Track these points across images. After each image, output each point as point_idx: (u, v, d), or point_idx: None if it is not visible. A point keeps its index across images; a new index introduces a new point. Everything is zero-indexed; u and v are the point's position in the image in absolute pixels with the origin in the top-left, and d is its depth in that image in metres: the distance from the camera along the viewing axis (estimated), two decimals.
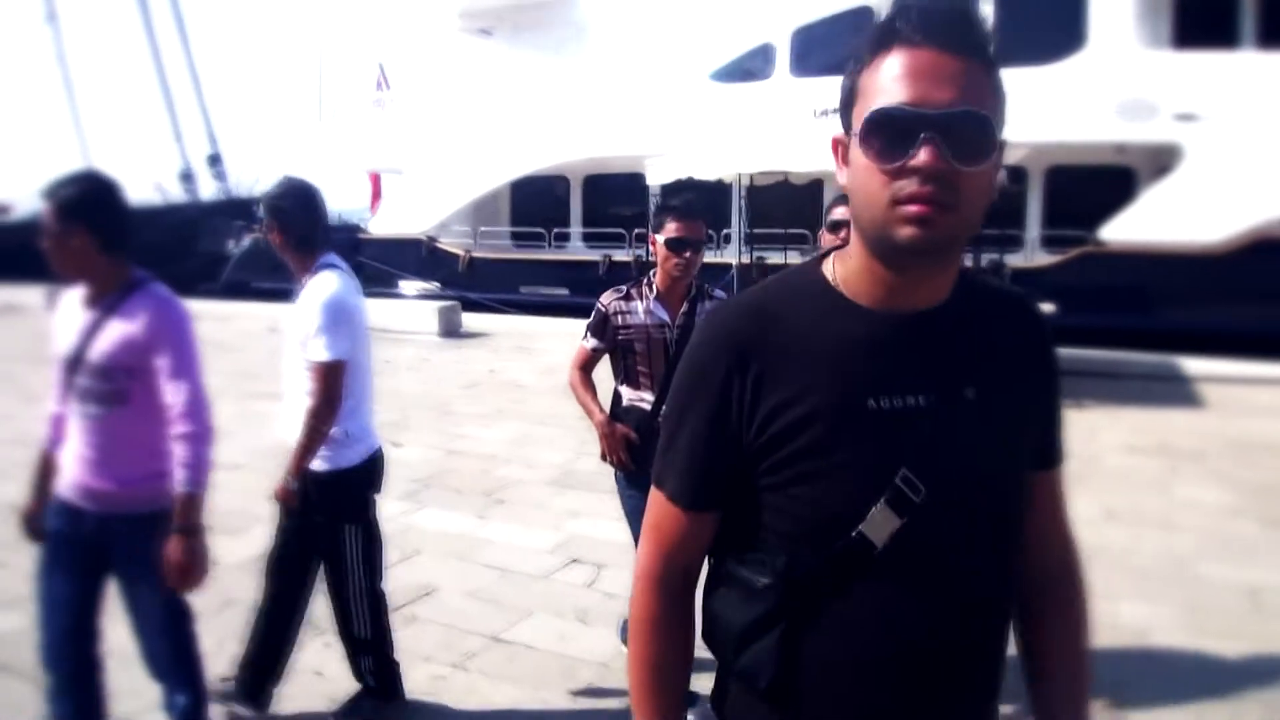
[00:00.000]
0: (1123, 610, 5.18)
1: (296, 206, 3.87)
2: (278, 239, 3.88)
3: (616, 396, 4.28)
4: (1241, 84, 15.51)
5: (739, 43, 18.59)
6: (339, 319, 3.72)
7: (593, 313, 4.22)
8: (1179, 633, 5.01)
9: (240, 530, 6.00)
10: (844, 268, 1.43)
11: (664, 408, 1.64)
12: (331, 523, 3.86)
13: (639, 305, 4.12)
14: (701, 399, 1.44)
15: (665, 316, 4.10)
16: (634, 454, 4.11)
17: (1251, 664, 4.68)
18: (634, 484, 4.12)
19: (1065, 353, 8.88)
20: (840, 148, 1.42)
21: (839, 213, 3.99)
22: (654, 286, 4.13)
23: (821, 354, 1.38)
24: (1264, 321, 14.18)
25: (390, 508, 6.75)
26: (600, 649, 4.70)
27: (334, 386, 3.70)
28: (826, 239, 3.98)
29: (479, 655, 4.65)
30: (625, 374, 4.22)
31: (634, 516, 4.09)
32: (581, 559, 5.90)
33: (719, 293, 4.36)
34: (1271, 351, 12.79)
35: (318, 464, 3.77)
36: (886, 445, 1.36)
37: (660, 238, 4.05)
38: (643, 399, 4.15)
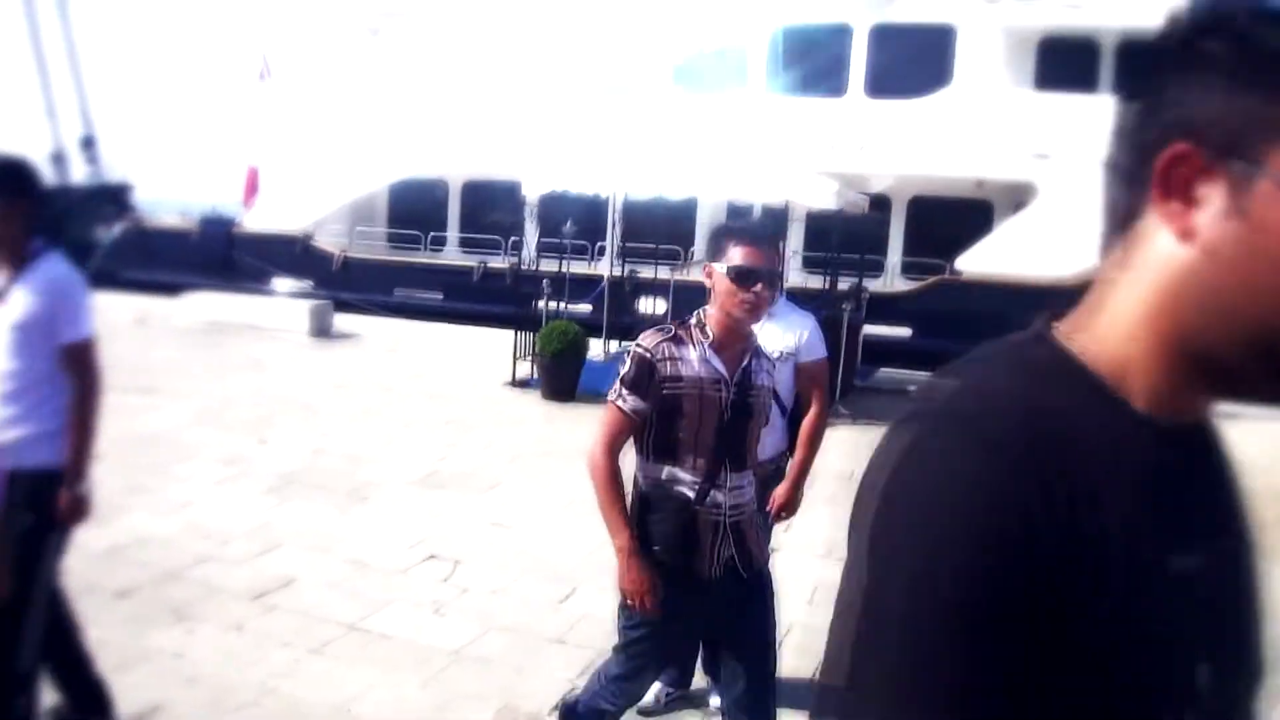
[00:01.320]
0: None
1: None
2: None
3: (638, 475, 3.29)
4: (1097, 126, 16.34)
5: (631, 59, 18.88)
6: (86, 298, 3.53)
7: (630, 363, 3.17)
8: None
9: (104, 519, 6.03)
10: (1107, 350, 0.93)
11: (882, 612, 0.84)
12: (38, 527, 3.43)
13: (692, 352, 3.15)
14: (993, 605, 0.80)
15: (722, 370, 3.16)
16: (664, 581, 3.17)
17: None
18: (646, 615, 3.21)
19: (918, 376, 9.47)
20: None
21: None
22: (708, 331, 3.18)
23: (1124, 496, 0.86)
24: None
25: (254, 503, 6.89)
26: (453, 638, 4.91)
27: (98, 364, 3.49)
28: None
29: (335, 642, 4.80)
30: (657, 443, 3.19)
31: (640, 655, 3.32)
32: (440, 555, 6.09)
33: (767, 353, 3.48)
34: None
35: (36, 458, 3.41)
36: (1185, 623, 0.89)
37: (720, 266, 3.16)
38: (680, 479, 3.17)
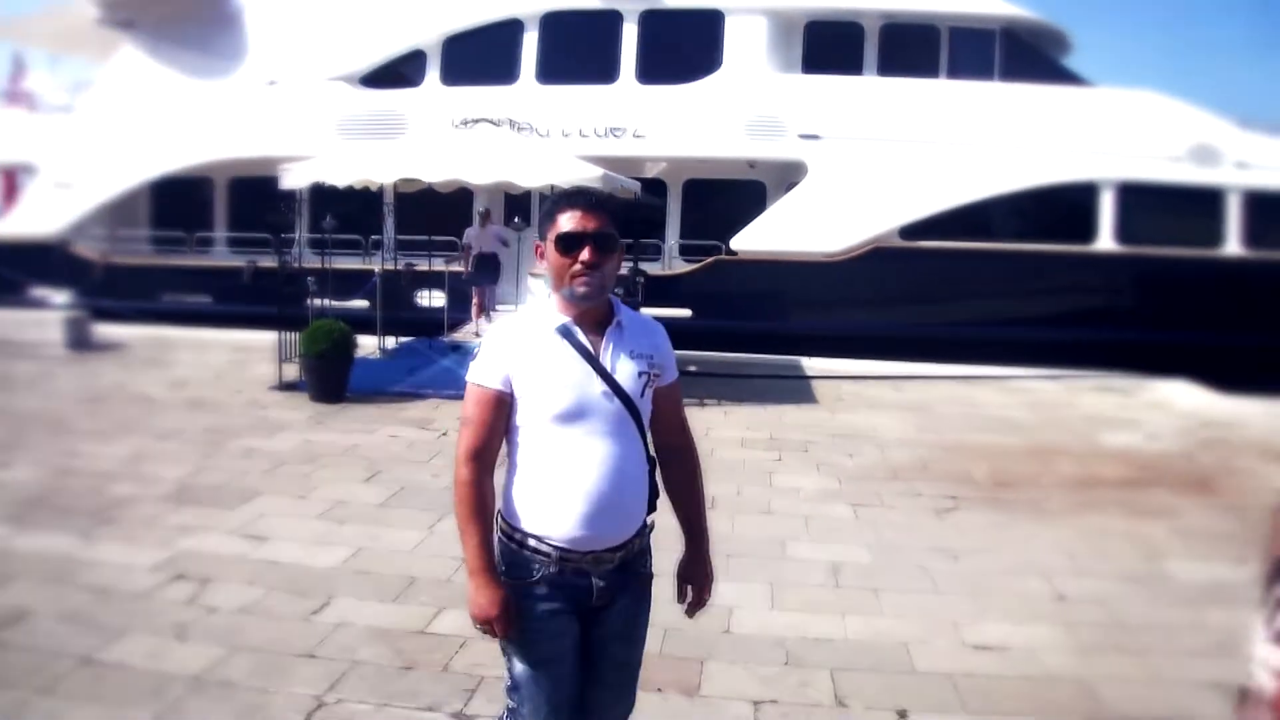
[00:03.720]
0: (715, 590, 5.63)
1: None
2: None
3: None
4: (862, 107, 16.99)
5: (390, 47, 18.43)
6: None
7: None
8: (762, 609, 5.53)
9: None
10: None
11: None
12: None
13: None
14: None
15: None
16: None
17: (826, 632, 5.24)
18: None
19: (697, 355, 9.61)
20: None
21: (568, 223, 2.79)
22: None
23: None
24: (877, 323, 15.62)
25: None
26: (195, 664, 4.67)
27: None
28: (552, 261, 2.80)
29: (66, 678, 4.51)
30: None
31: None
32: (187, 575, 5.80)
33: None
34: (882, 351, 14.10)
35: None
36: None
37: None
38: None
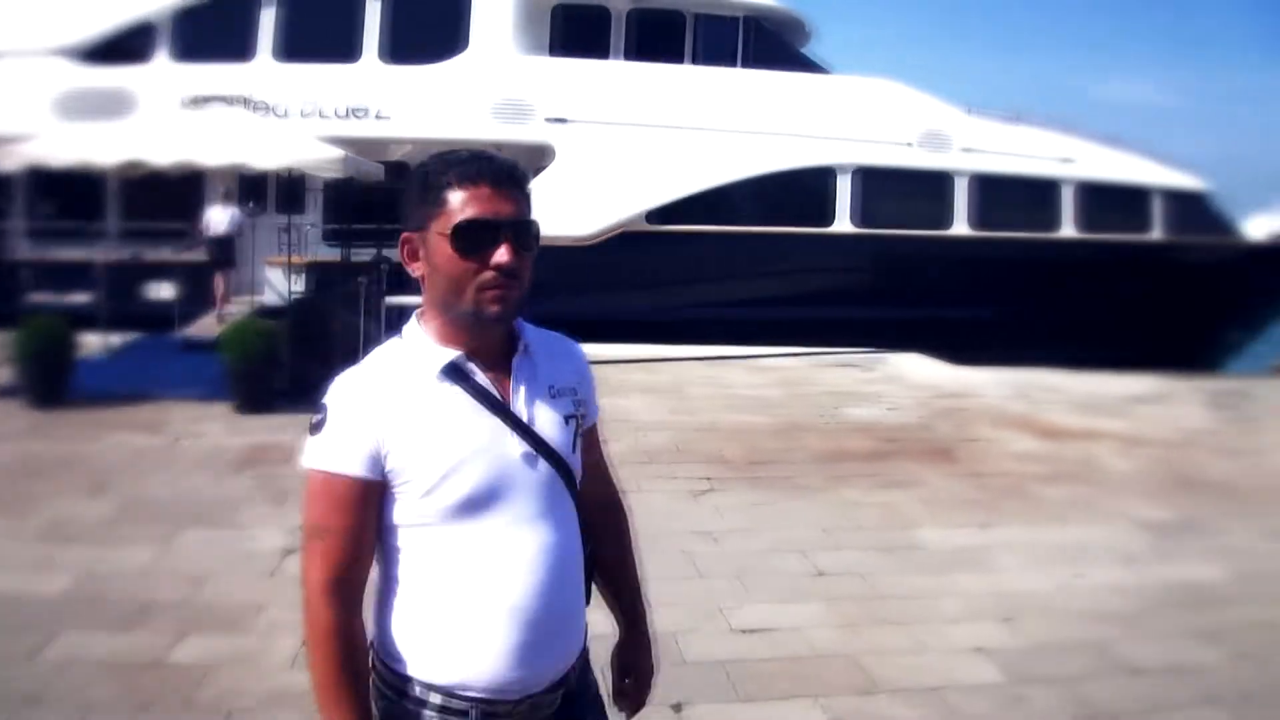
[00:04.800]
0: None
1: None
2: None
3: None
4: (609, 92, 17.02)
5: (116, 19, 17.14)
6: None
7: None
8: None
9: None
10: None
11: None
12: None
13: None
14: None
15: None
16: None
17: (592, 629, 5.11)
18: None
19: None
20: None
21: (473, 205, 1.88)
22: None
23: None
24: (627, 307, 15.69)
25: None
26: None
27: None
28: (443, 263, 1.88)
29: None
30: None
31: None
32: None
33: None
34: (633, 334, 14.16)
35: None
36: None
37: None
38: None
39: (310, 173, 12.23)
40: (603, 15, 17.66)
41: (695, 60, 17.79)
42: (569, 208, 16.19)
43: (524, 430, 1.92)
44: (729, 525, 6.87)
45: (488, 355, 1.95)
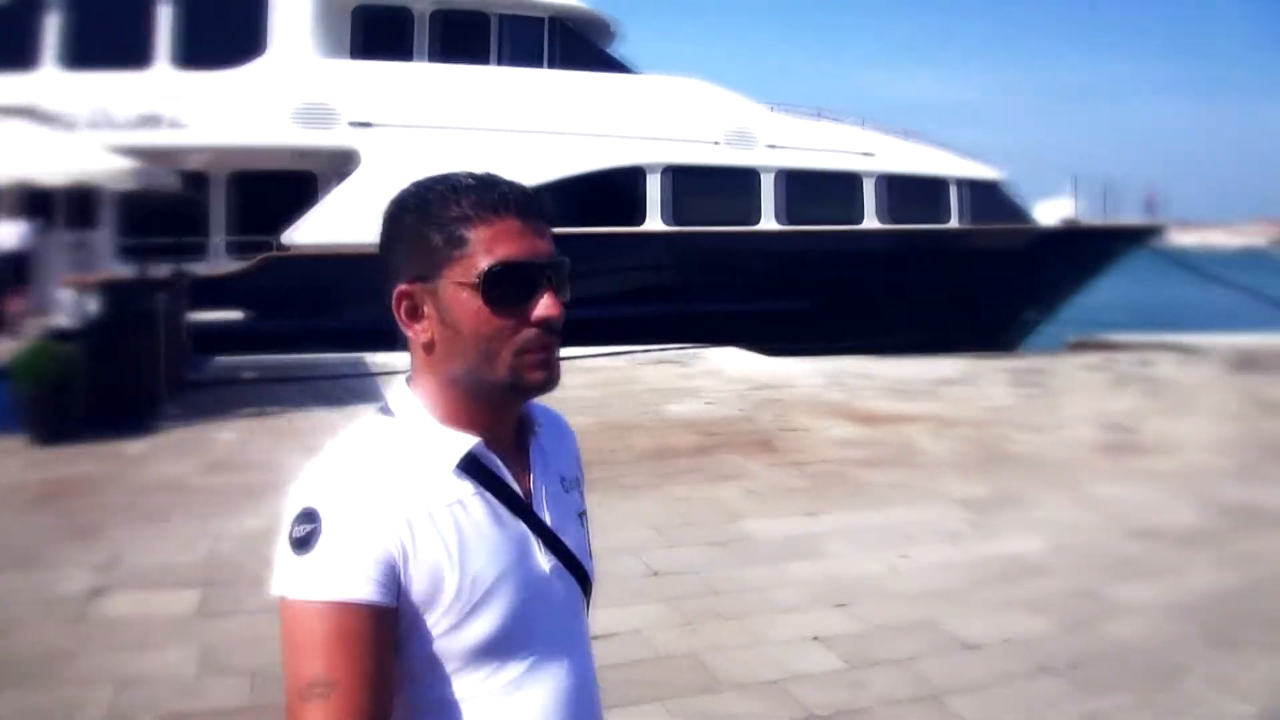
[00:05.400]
0: None
1: None
2: None
3: None
4: (414, 94, 16.70)
5: None
6: None
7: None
8: None
9: None
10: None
11: None
12: None
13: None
14: None
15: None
16: None
17: None
18: None
19: (253, 360, 8.80)
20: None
21: (512, 244, 1.48)
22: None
23: None
24: None
25: None
26: None
27: None
28: (467, 319, 1.41)
29: None
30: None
31: None
32: None
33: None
34: None
35: None
36: None
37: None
38: None
39: (102, 185, 11.58)
40: (405, 16, 17.38)
41: (501, 61, 17.65)
42: (376, 214, 15.74)
43: (551, 539, 1.52)
44: None
45: (504, 440, 1.51)
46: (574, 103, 17.11)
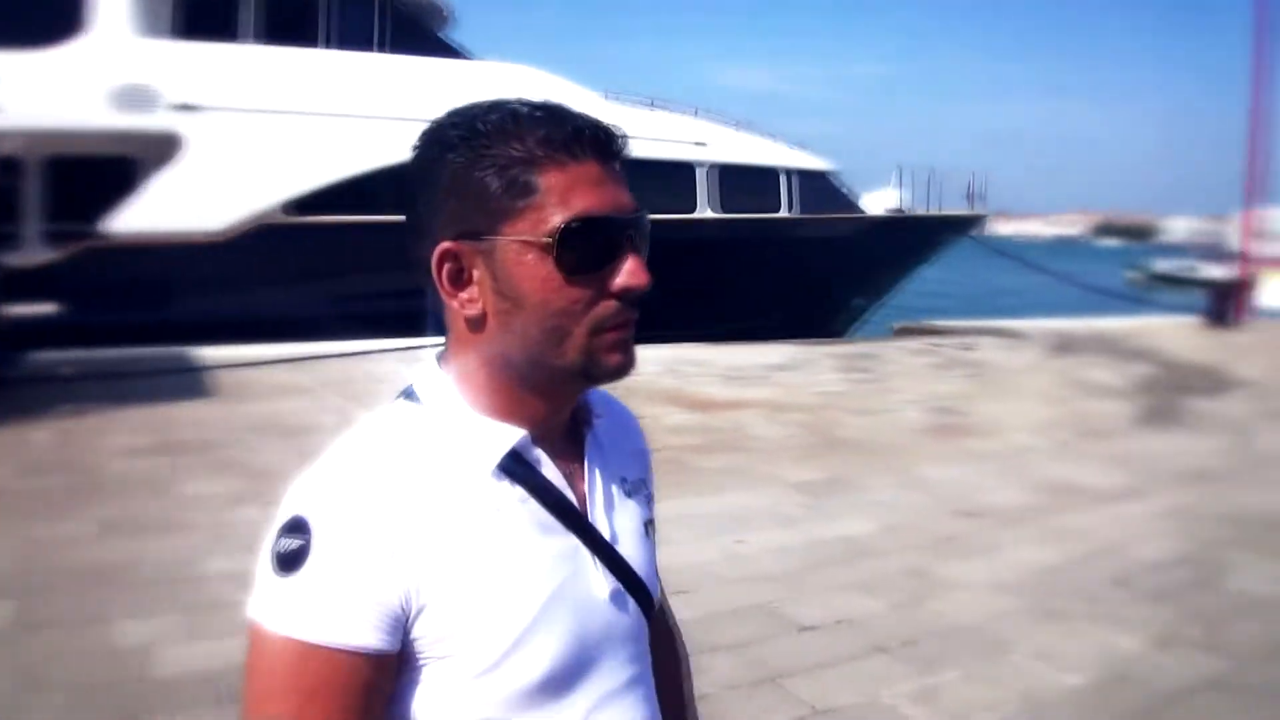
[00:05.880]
0: (121, 631, 4.92)
1: None
2: None
3: None
4: (242, 75, 16.13)
5: None
6: None
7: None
8: (182, 644, 4.86)
9: None
10: None
11: None
12: None
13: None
14: None
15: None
16: None
17: None
18: None
19: (71, 356, 8.35)
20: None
21: (592, 194, 1.18)
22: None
23: None
24: (275, 304, 14.96)
25: None
26: None
27: None
28: (533, 289, 1.14)
29: None
30: None
31: None
32: None
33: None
34: (284, 332, 13.49)
35: None
36: None
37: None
38: None
39: None
40: None
41: (331, 44, 17.18)
42: (202, 200, 15.28)
43: (610, 555, 1.23)
44: None
45: (555, 435, 1.24)
46: (406, 87, 16.77)
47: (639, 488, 1.35)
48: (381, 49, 17.36)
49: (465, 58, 18.00)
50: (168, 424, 9.51)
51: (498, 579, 1.12)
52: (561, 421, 1.25)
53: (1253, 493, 8.24)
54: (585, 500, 1.23)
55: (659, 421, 9.77)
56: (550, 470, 1.19)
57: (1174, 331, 19.51)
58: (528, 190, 1.11)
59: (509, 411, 1.18)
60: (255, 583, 1.13)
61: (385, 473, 1.12)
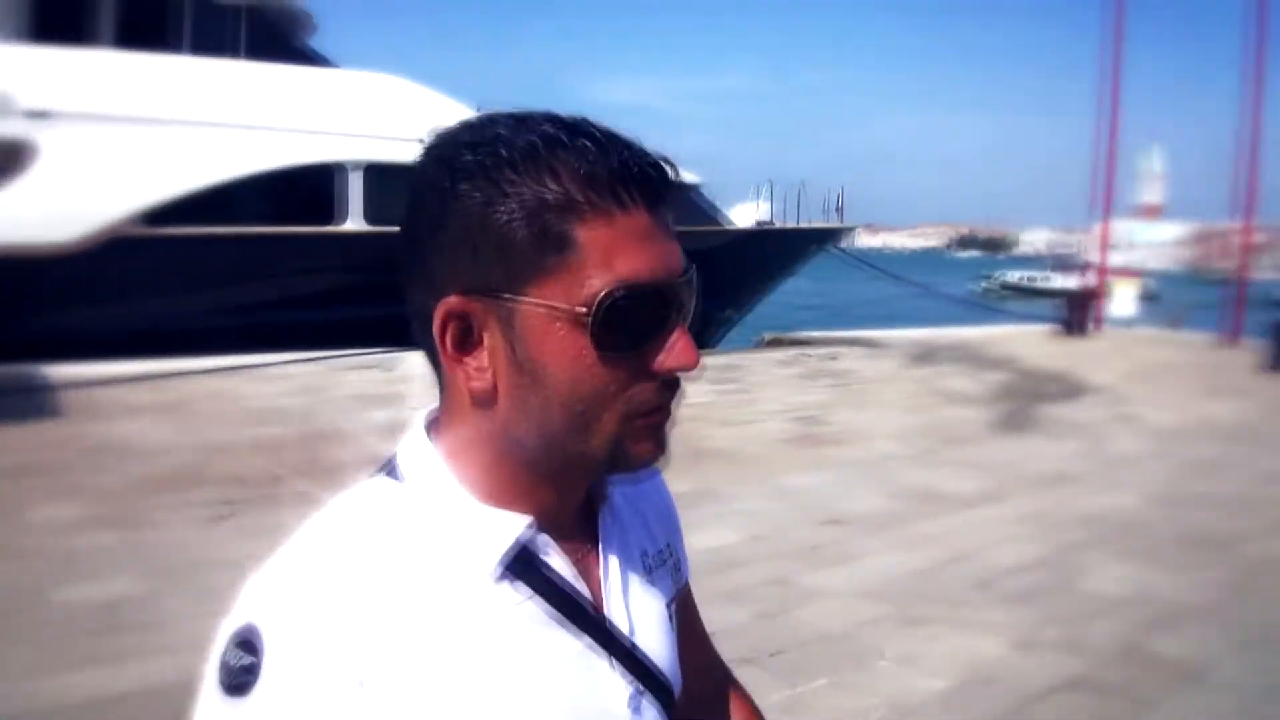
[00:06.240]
0: None
1: None
2: None
3: None
4: (97, 82, 15.50)
5: None
6: None
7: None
8: (25, 676, 4.56)
9: None
10: None
11: None
12: None
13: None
14: None
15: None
16: None
17: (108, 688, 4.49)
18: None
19: None
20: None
21: (645, 250, 0.96)
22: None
23: None
24: (126, 318, 14.40)
25: None
26: None
27: None
28: (584, 371, 0.92)
29: None
30: None
31: None
32: None
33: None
34: (135, 348, 12.99)
35: None
36: None
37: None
38: None
39: None
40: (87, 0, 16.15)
41: (191, 51, 16.65)
42: (52, 211, 14.62)
43: (627, 657, 1.03)
44: (251, 551, 6.31)
45: (565, 516, 1.03)
46: (267, 96, 16.35)
47: (663, 560, 1.16)
48: (241, 56, 16.89)
49: (328, 66, 17.63)
50: (13, 446, 9.06)
51: (496, 705, 0.91)
52: (575, 503, 1.05)
53: (1106, 495, 8.50)
54: (599, 589, 1.03)
55: None
56: (559, 561, 0.99)
57: (1030, 340, 20.15)
58: (562, 244, 0.89)
59: (513, 497, 0.97)
60: (200, 693, 0.91)
61: (357, 574, 0.90)
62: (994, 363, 16.42)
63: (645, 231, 0.91)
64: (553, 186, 0.89)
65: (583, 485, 1.04)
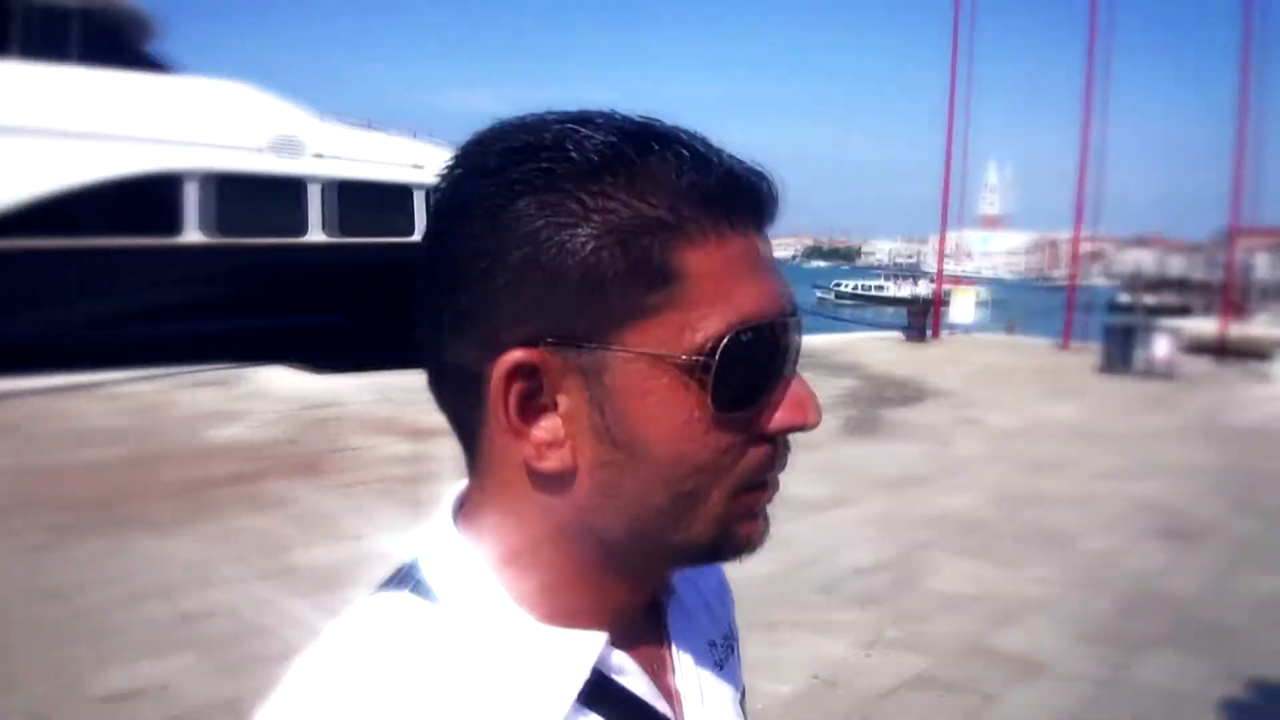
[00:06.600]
0: None
1: None
2: None
3: None
4: (9, 92, 14.68)
5: None
6: None
7: None
8: None
9: None
10: None
11: None
12: None
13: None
14: None
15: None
16: None
17: None
18: None
19: None
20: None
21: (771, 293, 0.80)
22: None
23: None
24: None
25: None
26: None
27: None
28: (699, 450, 0.73)
29: None
30: None
31: None
32: None
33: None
34: None
35: None
36: None
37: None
38: None
39: None
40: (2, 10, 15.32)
41: (24, 55, 15.85)
42: None
43: None
44: (82, 579, 6.04)
45: (634, 616, 0.81)
46: (103, 103, 15.65)
47: (730, 647, 0.95)
48: (79, 61, 16.13)
49: (170, 72, 16.99)
50: None
51: None
52: (644, 604, 0.84)
53: (949, 496, 8.71)
54: (677, 701, 0.83)
55: (374, 452, 9.47)
56: (636, 680, 0.78)
57: (876, 346, 20.62)
58: (668, 275, 0.69)
59: (581, 607, 0.75)
60: None
61: None
62: (843, 369, 16.75)
63: (757, 258, 0.73)
64: (652, 202, 0.68)
65: (663, 579, 0.85)
